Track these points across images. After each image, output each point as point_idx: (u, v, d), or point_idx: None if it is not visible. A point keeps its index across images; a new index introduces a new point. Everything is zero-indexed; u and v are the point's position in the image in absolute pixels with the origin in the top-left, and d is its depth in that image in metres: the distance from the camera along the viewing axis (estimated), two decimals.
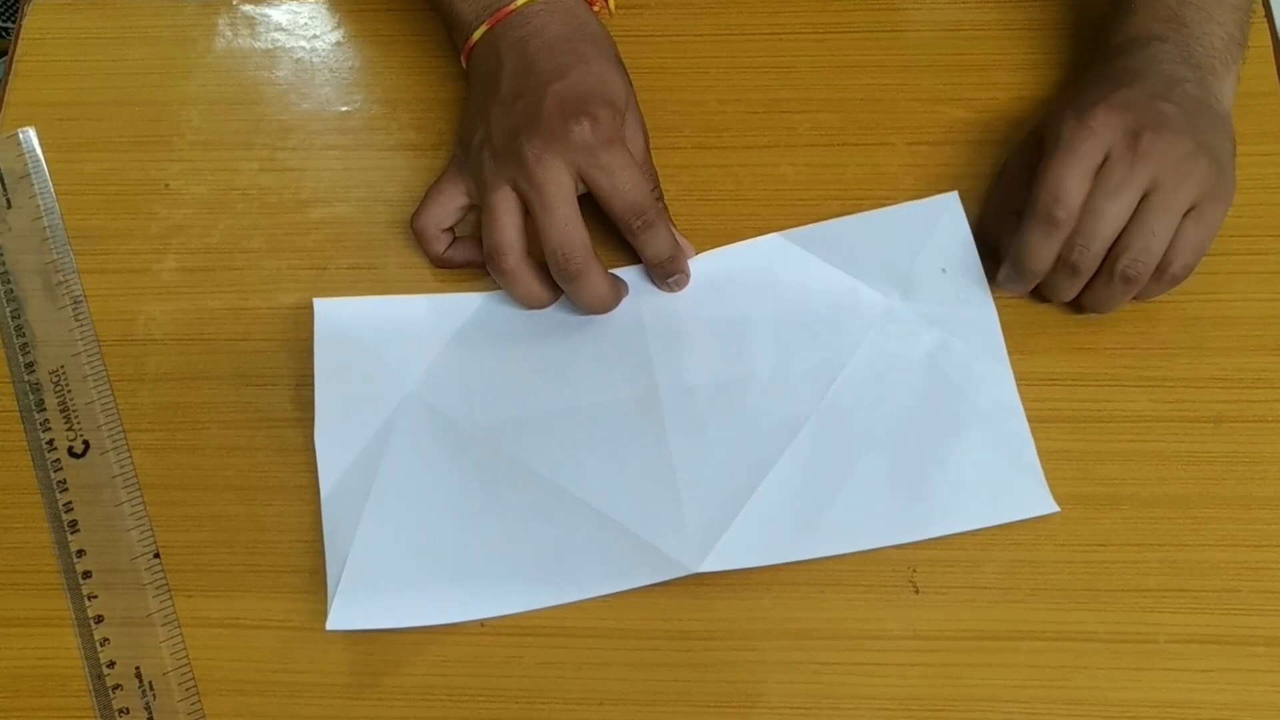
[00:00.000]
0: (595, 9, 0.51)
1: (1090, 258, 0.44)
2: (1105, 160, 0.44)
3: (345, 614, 0.44)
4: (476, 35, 0.48)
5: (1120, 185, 0.44)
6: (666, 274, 0.48)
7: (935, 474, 0.46)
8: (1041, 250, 0.45)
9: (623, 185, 0.45)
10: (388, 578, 0.44)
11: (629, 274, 0.50)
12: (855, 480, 0.46)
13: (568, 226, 0.45)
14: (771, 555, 0.45)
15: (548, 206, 0.45)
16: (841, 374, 0.48)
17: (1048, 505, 0.46)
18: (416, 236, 0.49)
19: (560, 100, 0.45)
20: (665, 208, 0.49)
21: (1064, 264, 0.45)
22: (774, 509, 0.45)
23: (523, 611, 0.44)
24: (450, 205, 0.49)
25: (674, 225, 0.49)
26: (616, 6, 0.54)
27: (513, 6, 0.48)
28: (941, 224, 0.50)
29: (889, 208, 0.51)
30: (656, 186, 0.49)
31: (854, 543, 0.45)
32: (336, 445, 0.47)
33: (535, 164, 0.45)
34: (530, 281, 0.47)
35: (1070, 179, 0.44)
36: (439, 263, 0.50)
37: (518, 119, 0.46)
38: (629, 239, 0.47)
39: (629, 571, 0.45)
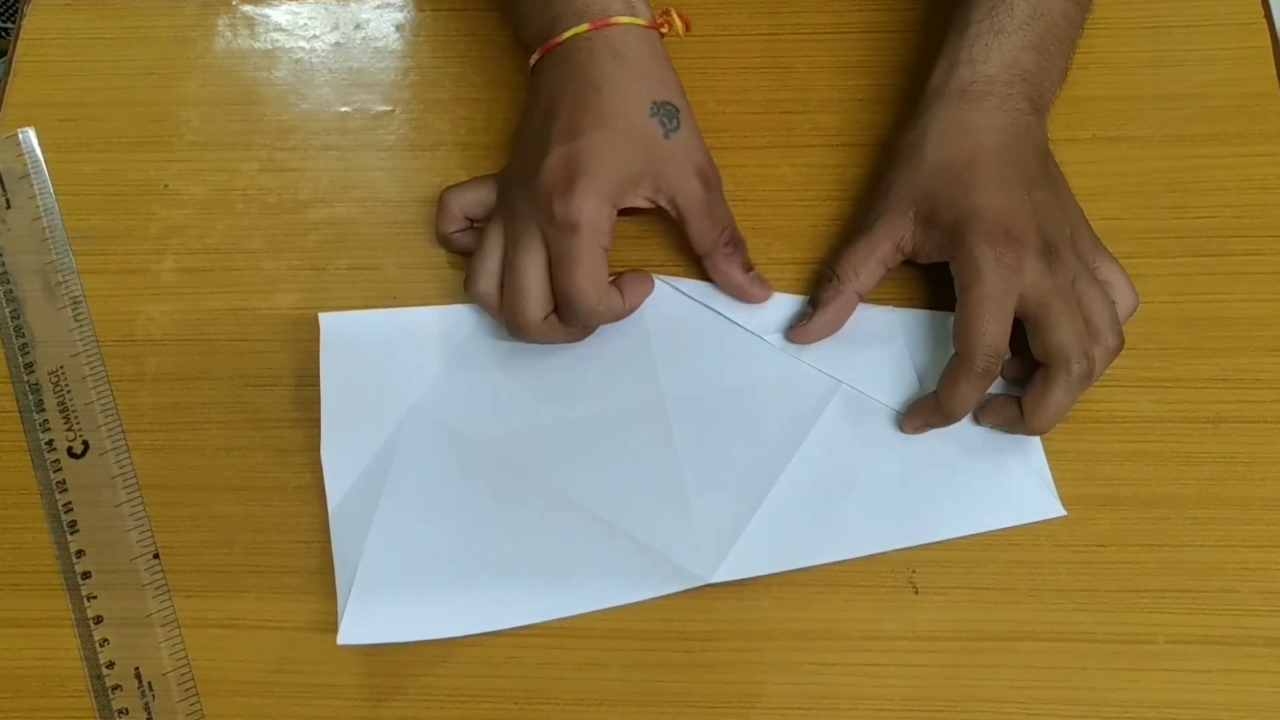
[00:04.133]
0: (663, 31, 0.49)
1: (1094, 360, 0.44)
2: (1027, 294, 0.43)
3: (355, 629, 0.43)
4: (533, 60, 0.48)
5: (1064, 307, 0.43)
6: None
7: (943, 477, 0.46)
8: (976, 397, 0.45)
9: (565, 279, 0.44)
10: (397, 592, 0.44)
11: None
12: (864, 484, 0.46)
13: (529, 294, 0.45)
14: (783, 562, 0.45)
15: (518, 272, 0.45)
16: (847, 378, 0.48)
17: (1055, 509, 0.46)
18: (439, 205, 0.50)
19: (555, 168, 0.44)
20: (613, 296, 0.47)
21: (1074, 380, 0.44)
22: (784, 516, 0.45)
23: (532, 624, 0.44)
24: (479, 197, 0.49)
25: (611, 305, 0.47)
26: (687, 28, 0.50)
27: (558, 39, 0.47)
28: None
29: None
30: (727, 228, 0.48)
31: (864, 547, 0.45)
32: (343, 458, 0.46)
33: (519, 229, 0.46)
34: (494, 311, 0.47)
35: (1002, 330, 0.43)
36: (443, 240, 0.50)
37: (525, 168, 0.46)
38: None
39: (641, 583, 0.45)
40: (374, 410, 0.47)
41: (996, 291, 0.43)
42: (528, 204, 0.45)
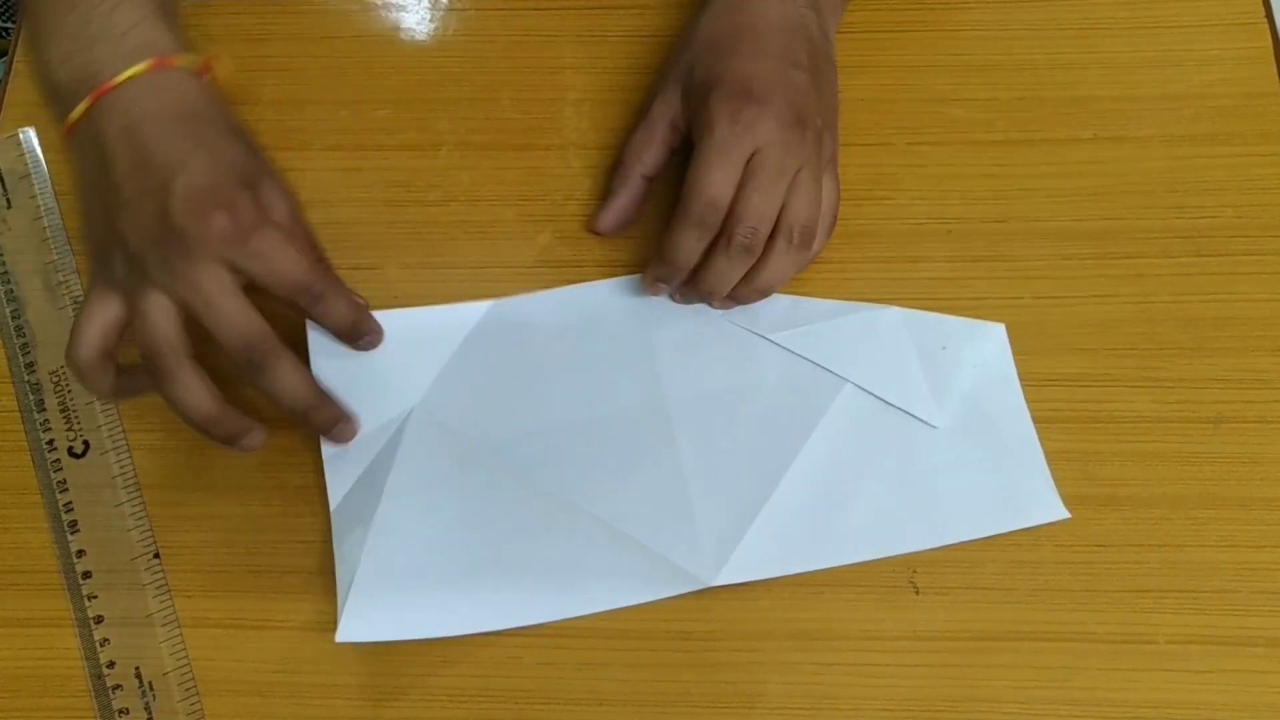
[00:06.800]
0: (207, 78, 0.45)
1: (759, 239, 0.45)
2: (755, 154, 0.45)
3: (354, 627, 0.43)
4: (77, 112, 0.43)
5: (771, 181, 0.44)
6: (356, 338, 0.46)
7: (946, 481, 0.46)
8: (696, 246, 0.46)
9: (280, 267, 0.42)
10: (397, 590, 0.44)
11: (624, 283, 0.50)
12: (866, 488, 0.46)
13: (239, 317, 0.41)
14: (786, 566, 0.45)
15: (211, 304, 0.41)
16: (850, 380, 0.48)
17: (1058, 511, 0.46)
18: (76, 374, 0.43)
19: (189, 197, 0.40)
20: (329, 270, 0.45)
21: (733, 248, 0.45)
22: (786, 519, 0.45)
23: (532, 625, 0.44)
24: (104, 324, 0.42)
25: (345, 287, 0.45)
26: (226, 75, 0.47)
27: (114, 81, 0.42)
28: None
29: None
30: (314, 249, 0.45)
31: (866, 551, 0.45)
32: (344, 459, 0.46)
33: (184, 270, 0.40)
34: (193, 383, 0.42)
35: (725, 183, 0.45)
36: (113, 395, 0.44)
37: (150, 223, 0.41)
38: (307, 315, 0.44)
39: (642, 586, 0.45)
40: (374, 411, 0.47)
41: (724, 146, 0.44)
42: (185, 245, 0.40)
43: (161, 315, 0.41)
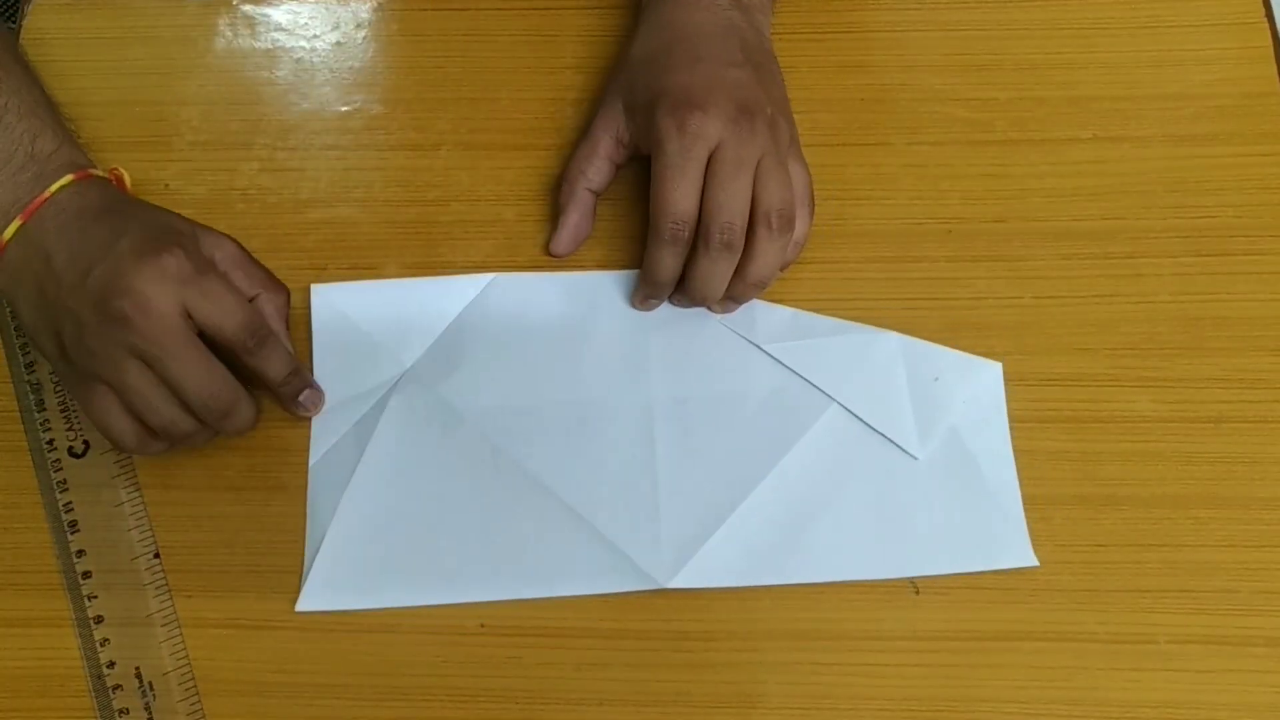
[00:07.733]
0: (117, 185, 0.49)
1: (736, 233, 0.45)
2: (713, 155, 0.45)
3: (316, 597, 0.45)
4: (9, 233, 0.44)
5: (733, 176, 0.45)
6: (293, 393, 0.46)
7: (918, 513, 0.46)
8: (673, 263, 0.46)
9: (230, 307, 0.43)
10: (361, 560, 0.45)
11: (631, 278, 0.50)
12: (837, 511, 0.46)
13: (199, 368, 0.42)
14: (744, 578, 0.45)
15: (172, 353, 0.41)
16: (837, 399, 0.48)
17: (1027, 558, 0.45)
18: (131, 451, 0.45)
19: (137, 247, 0.42)
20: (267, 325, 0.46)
21: (713, 249, 0.45)
22: (751, 531, 0.45)
23: (485, 601, 0.45)
24: (120, 408, 0.43)
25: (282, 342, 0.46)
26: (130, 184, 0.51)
27: (46, 194, 0.45)
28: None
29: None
30: (269, 283, 0.47)
31: (828, 573, 0.45)
32: (329, 417, 0.47)
33: (140, 314, 0.41)
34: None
35: (687, 195, 0.45)
36: (171, 447, 0.45)
37: (99, 286, 0.42)
38: (245, 360, 0.44)
39: (597, 577, 0.45)
40: (365, 374, 0.48)
41: (677, 158, 0.45)
42: (139, 286, 0.42)
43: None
